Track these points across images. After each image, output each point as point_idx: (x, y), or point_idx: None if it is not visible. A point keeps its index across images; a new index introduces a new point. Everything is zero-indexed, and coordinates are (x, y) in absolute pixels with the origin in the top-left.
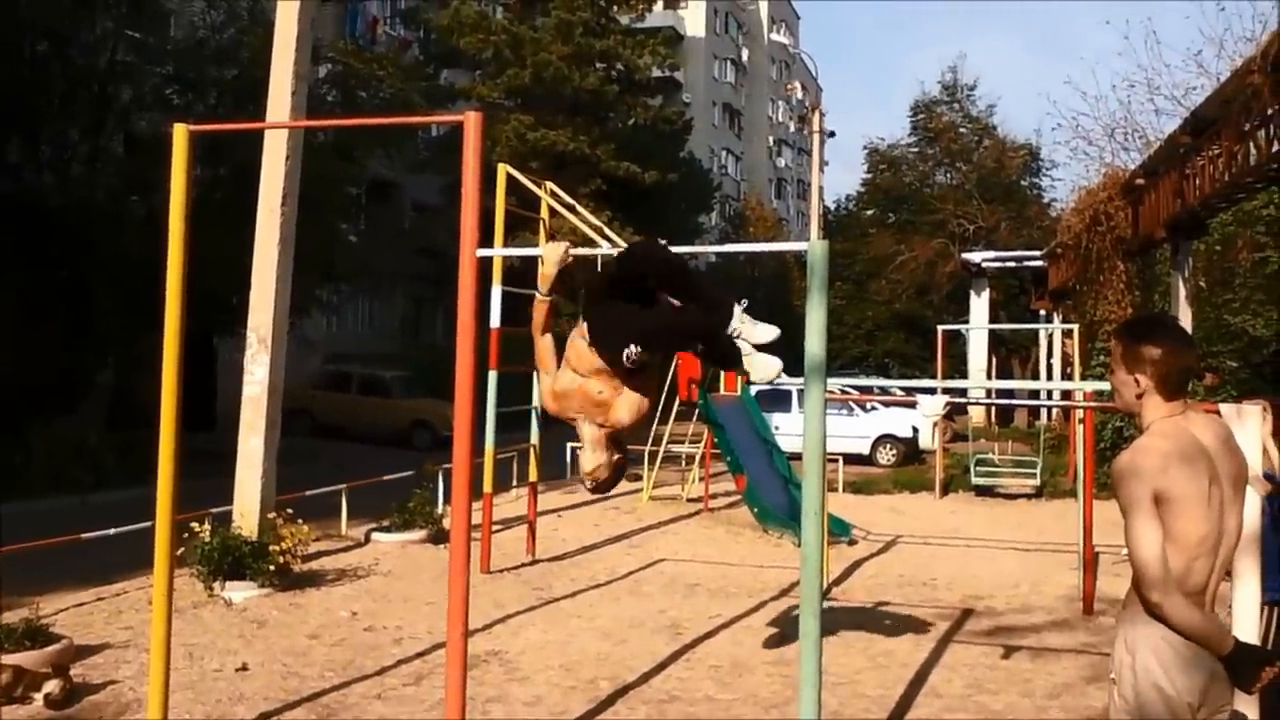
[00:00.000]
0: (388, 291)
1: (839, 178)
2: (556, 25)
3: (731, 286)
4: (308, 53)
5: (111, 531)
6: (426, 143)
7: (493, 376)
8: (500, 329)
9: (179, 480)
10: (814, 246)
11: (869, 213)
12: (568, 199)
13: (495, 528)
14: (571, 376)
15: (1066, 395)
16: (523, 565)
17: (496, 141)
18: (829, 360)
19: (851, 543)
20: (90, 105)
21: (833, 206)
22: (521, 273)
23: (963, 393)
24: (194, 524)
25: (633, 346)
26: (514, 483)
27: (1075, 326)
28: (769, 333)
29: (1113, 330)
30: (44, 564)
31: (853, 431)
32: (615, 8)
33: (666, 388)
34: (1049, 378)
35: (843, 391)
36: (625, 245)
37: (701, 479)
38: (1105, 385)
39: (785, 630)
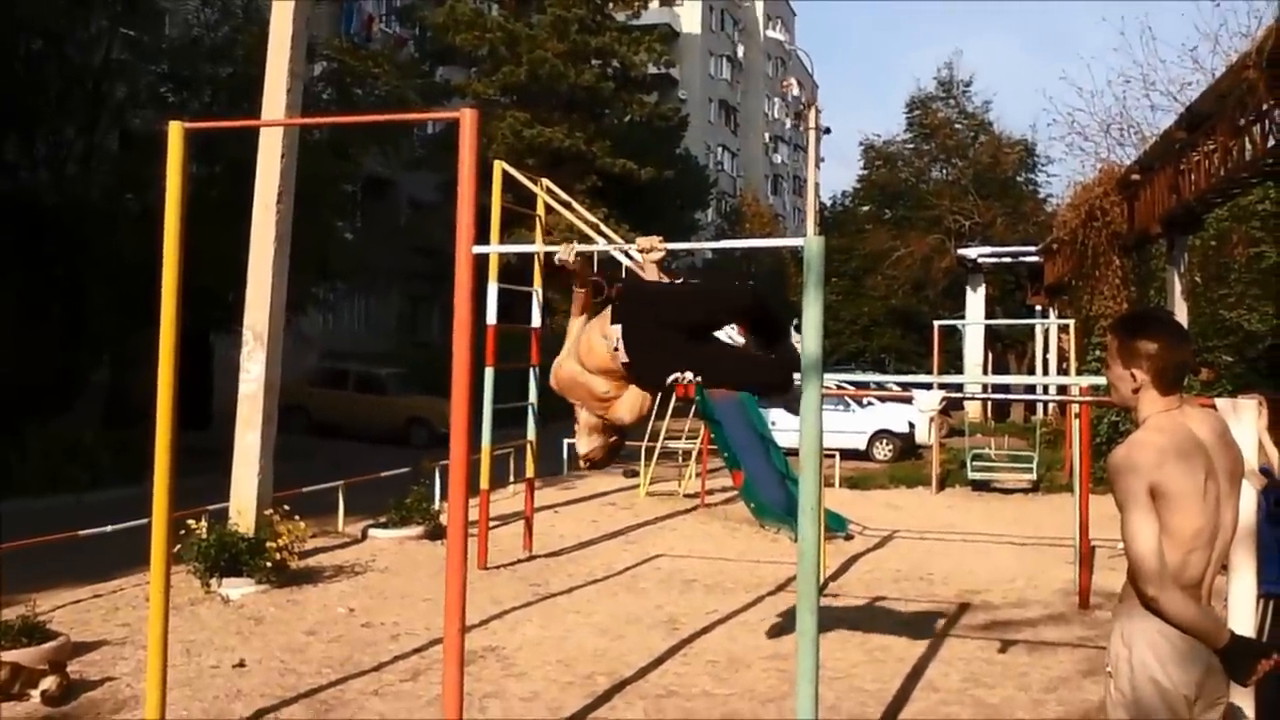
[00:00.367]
0: (384, 289)
1: (835, 174)
2: (552, 22)
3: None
4: (303, 50)
5: (108, 529)
6: (422, 140)
7: (489, 373)
8: (497, 326)
9: (175, 477)
10: (810, 243)
11: (865, 209)
12: (564, 196)
13: (492, 524)
14: (576, 368)
15: (1062, 390)
16: (520, 561)
17: (492, 138)
18: (825, 356)
19: (848, 538)
20: (85, 103)
21: (829, 203)
22: (518, 270)
23: (959, 388)
24: (191, 521)
25: (688, 374)
26: (511, 479)
27: (1071, 322)
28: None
29: (1108, 325)
30: (41, 561)
31: (849, 427)
32: (611, 4)
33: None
34: (1045, 373)
35: (839, 387)
36: (741, 284)
37: (699, 475)
38: (1101, 380)
39: (782, 625)
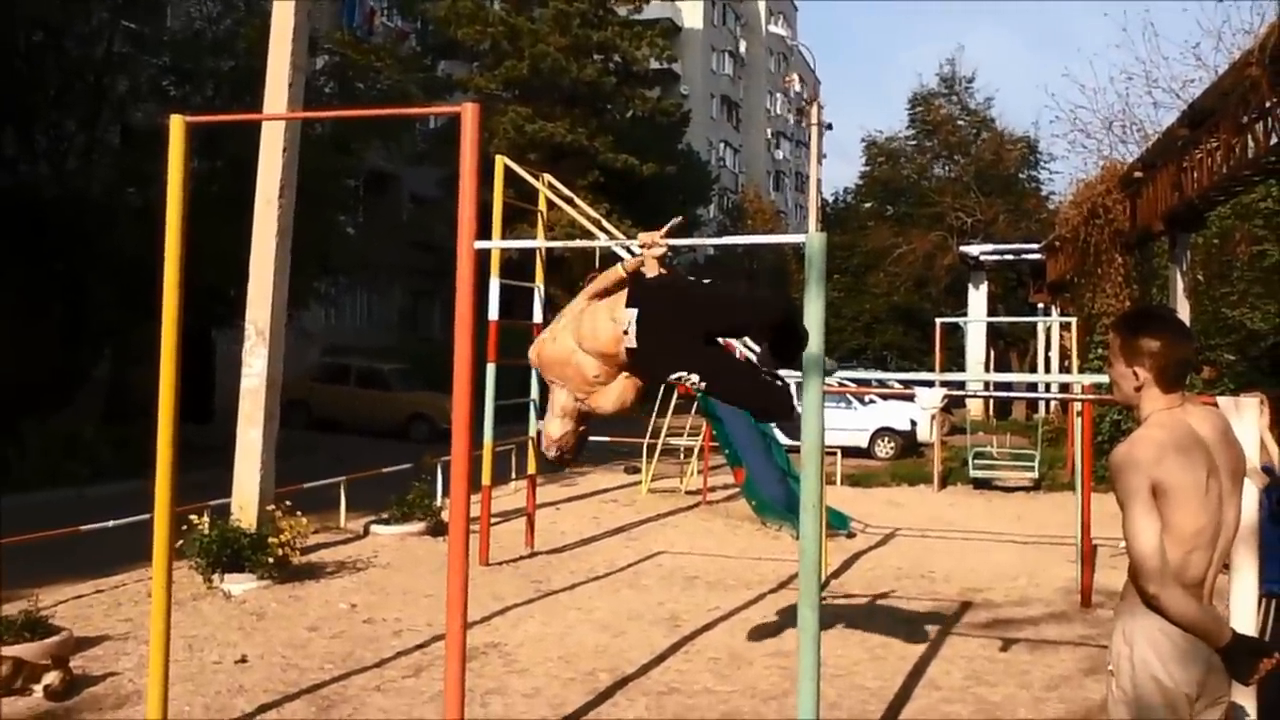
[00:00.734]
0: (386, 284)
1: (837, 170)
2: (554, 16)
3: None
4: (305, 44)
5: (110, 524)
6: (424, 134)
7: (491, 369)
8: (498, 321)
9: (177, 473)
10: (812, 239)
11: (867, 205)
12: (565, 191)
13: (494, 520)
14: (570, 346)
15: (1064, 388)
16: (521, 558)
17: (494, 133)
18: (827, 353)
19: (850, 535)
20: (86, 97)
21: (831, 199)
22: (520, 265)
23: (961, 385)
24: (193, 517)
25: (695, 377)
26: (513, 475)
27: (1073, 319)
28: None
29: (1111, 323)
30: (43, 557)
31: (851, 424)
32: None
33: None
34: (1047, 370)
35: (841, 384)
36: (777, 298)
37: (700, 472)
38: (1103, 378)
39: (783, 622)
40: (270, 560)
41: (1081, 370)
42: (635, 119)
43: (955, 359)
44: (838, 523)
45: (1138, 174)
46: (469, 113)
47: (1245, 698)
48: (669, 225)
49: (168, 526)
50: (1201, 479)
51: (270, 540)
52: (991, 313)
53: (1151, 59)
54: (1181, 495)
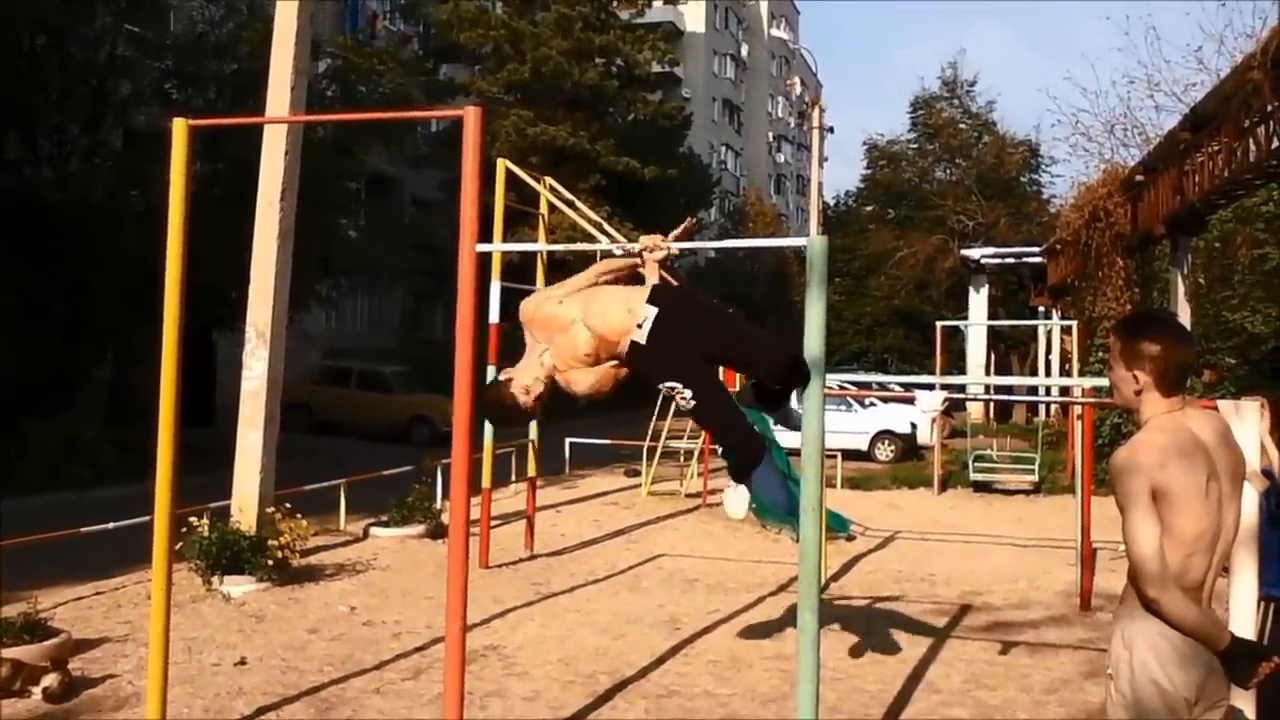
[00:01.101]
0: (387, 287)
1: (838, 173)
2: (556, 20)
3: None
4: (307, 47)
5: (110, 526)
6: (426, 138)
7: (491, 372)
8: (500, 324)
9: (177, 475)
10: (813, 242)
11: (868, 208)
12: (567, 194)
13: (494, 523)
14: (574, 315)
15: (1065, 391)
16: (521, 560)
17: (496, 136)
18: (828, 356)
19: (850, 538)
20: (89, 100)
21: (832, 202)
22: (521, 268)
23: (961, 389)
24: (192, 519)
25: (688, 393)
26: (513, 478)
27: (1074, 323)
28: (739, 505)
29: (1111, 326)
30: (42, 559)
31: (851, 427)
32: (615, 2)
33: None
34: (1047, 374)
35: (841, 387)
36: (789, 349)
37: (700, 474)
38: (1104, 381)
39: (783, 625)
40: (270, 562)
41: (1082, 374)
42: (637, 122)
43: (956, 362)
44: (838, 526)
45: (1139, 177)
46: (471, 116)
47: (1244, 701)
48: (682, 228)
49: (167, 529)
50: (1202, 482)
51: (270, 543)
52: (992, 316)
53: (1153, 62)
54: (1182, 499)
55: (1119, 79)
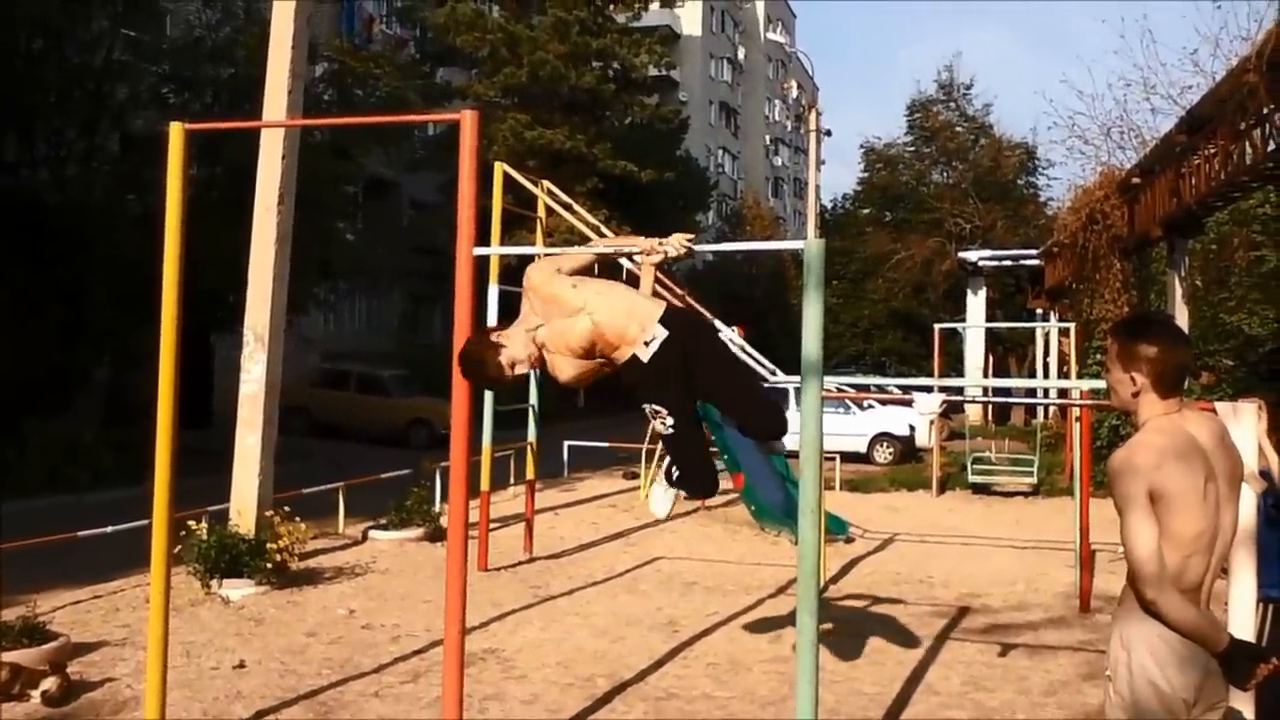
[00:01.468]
0: (385, 290)
1: (836, 176)
2: (553, 23)
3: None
4: (304, 51)
5: (108, 529)
6: (423, 141)
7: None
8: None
9: (176, 478)
10: (810, 245)
11: (866, 211)
12: (564, 197)
13: (493, 526)
14: (580, 305)
15: (1063, 393)
16: (520, 563)
17: (493, 140)
18: (826, 358)
19: (849, 540)
20: (86, 103)
21: (829, 205)
22: (518, 271)
23: (959, 391)
24: (191, 522)
25: (670, 420)
26: (511, 481)
27: (1071, 325)
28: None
29: (1109, 328)
30: (41, 562)
31: (850, 430)
32: (612, 6)
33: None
34: (1045, 376)
35: (839, 390)
36: (777, 410)
37: None
38: (1101, 383)
39: (782, 627)
40: (268, 566)
41: (1080, 376)
42: (634, 126)
43: (954, 364)
44: (836, 528)
45: (1136, 180)
46: (468, 119)
47: (1243, 703)
48: (679, 250)
49: (166, 532)
50: (1199, 484)
51: (268, 546)
52: (990, 318)
53: (1149, 65)
54: (1180, 501)
55: (1115, 82)
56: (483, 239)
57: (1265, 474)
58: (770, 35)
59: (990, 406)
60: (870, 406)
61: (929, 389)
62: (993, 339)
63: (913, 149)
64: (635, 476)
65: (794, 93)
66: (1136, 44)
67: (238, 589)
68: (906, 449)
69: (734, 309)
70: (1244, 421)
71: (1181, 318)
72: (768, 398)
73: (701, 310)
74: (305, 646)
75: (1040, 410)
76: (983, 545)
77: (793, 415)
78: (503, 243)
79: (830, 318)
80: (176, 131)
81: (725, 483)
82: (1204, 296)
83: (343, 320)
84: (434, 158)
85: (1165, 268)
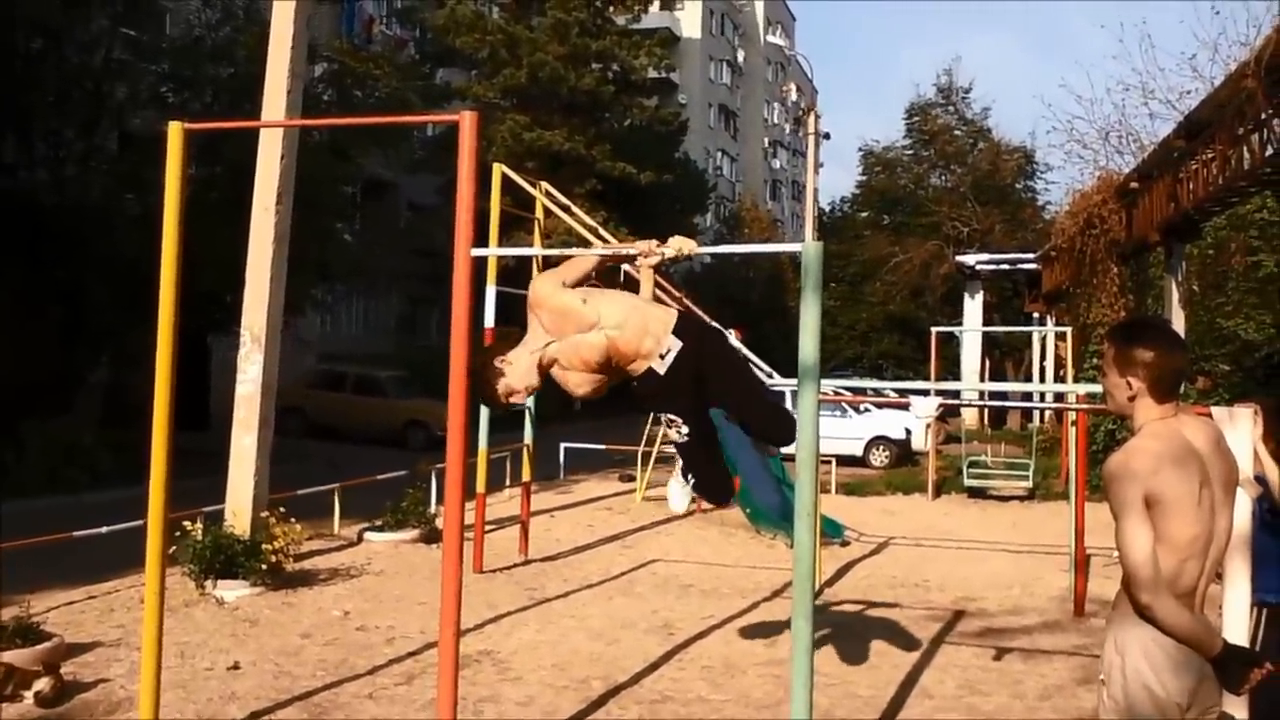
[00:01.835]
0: (383, 291)
1: (834, 179)
2: (553, 25)
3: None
4: (303, 51)
5: (103, 530)
6: (422, 142)
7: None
8: (495, 329)
9: (171, 479)
10: (808, 248)
11: (864, 215)
12: (563, 199)
13: (488, 528)
14: (595, 317)
15: (1059, 398)
16: (516, 565)
17: (492, 141)
18: (823, 361)
19: (844, 544)
20: (85, 103)
21: (827, 208)
22: (516, 272)
23: (956, 395)
24: (186, 523)
25: (685, 429)
26: (507, 483)
27: (1068, 329)
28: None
29: (1105, 333)
30: (35, 562)
31: (846, 433)
32: (611, 8)
33: None
34: (1042, 380)
35: (836, 393)
36: (787, 416)
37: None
38: (1098, 388)
39: (777, 630)
40: (263, 567)
41: (1076, 380)
42: (633, 128)
43: (950, 368)
44: (832, 531)
45: (1134, 185)
46: (467, 121)
47: (1237, 708)
48: (678, 255)
49: (161, 532)
50: (1195, 489)
51: (264, 547)
52: (987, 322)
53: (1148, 70)
54: (1175, 505)
55: (1114, 86)
56: (481, 240)
57: (1260, 479)
58: (770, 38)
59: (986, 410)
60: (867, 410)
61: (925, 392)
62: (989, 343)
63: (911, 152)
64: (631, 479)
65: (793, 96)
66: (1135, 49)
67: (233, 590)
68: (903, 452)
69: (731, 312)
70: (1240, 426)
71: (1178, 322)
72: (778, 403)
73: (700, 314)
74: (300, 648)
75: (1036, 414)
76: (978, 549)
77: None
78: (501, 244)
79: (827, 320)
80: (175, 131)
81: None
82: (1201, 301)
83: (340, 321)
84: (432, 159)
85: (1162, 272)
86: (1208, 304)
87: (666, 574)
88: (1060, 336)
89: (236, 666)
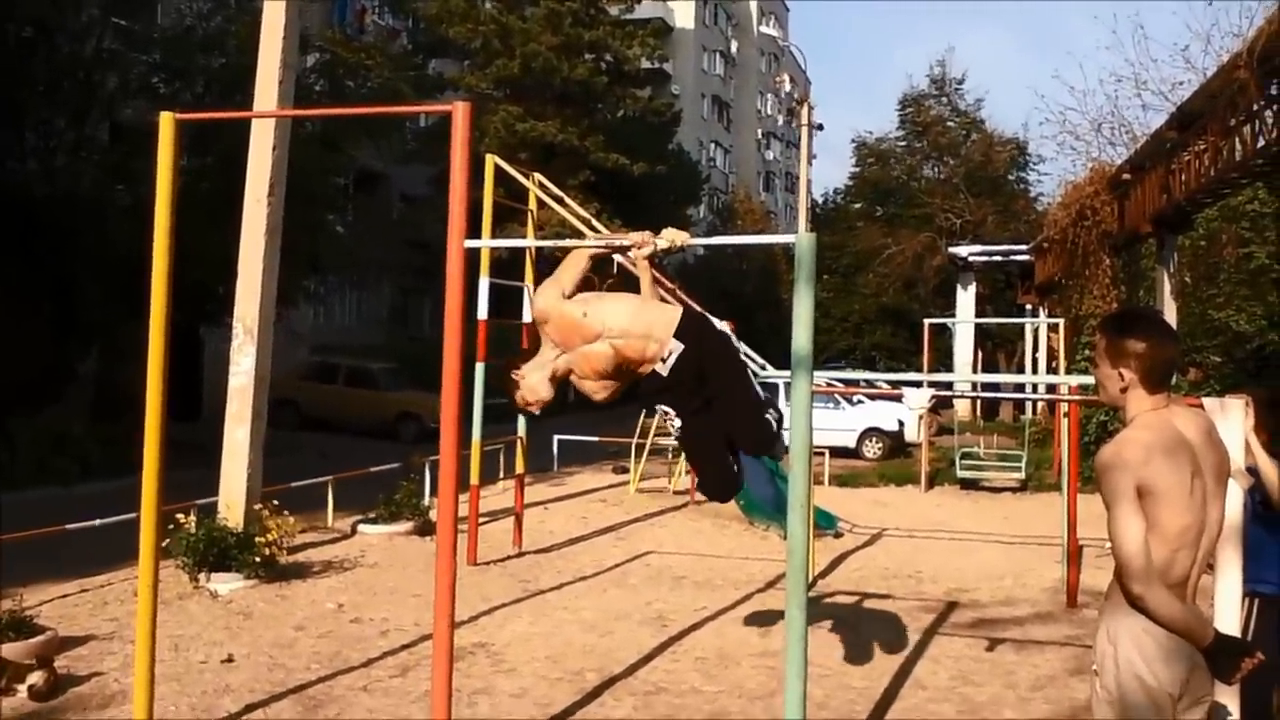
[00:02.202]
0: (375, 283)
1: (827, 171)
2: (545, 15)
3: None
4: (295, 42)
5: (96, 523)
6: (414, 133)
7: (480, 368)
8: (488, 320)
9: (164, 471)
10: (801, 239)
11: (857, 206)
12: (556, 190)
13: (482, 520)
14: (599, 327)
15: (1051, 389)
16: (509, 557)
17: (485, 132)
18: (816, 353)
19: (837, 535)
20: (75, 94)
21: (821, 200)
22: (509, 264)
23: (948, 386)
24: (179, 515)
25: (678, 422)
26: (501, 475)
27: (1061, 320)
28: None
29: (1097, 324)
30: (28, 555)
31: (839, 425)
32: None
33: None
34: (1034, 371)
35: (829, 385)
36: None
37: (688, 472)
38: (1090, 379)
39: (770, 622)
40: (257, 560)
41: (1068, 371)
42: (626, 119)
43: (943, 360)
44: (825, 523)
45: (1126, 176)
46: (460, 111)
47: (1228, 697)
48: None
49: (154, 525)
50: (1187, 480)
51: (257, 539)
52: (979, 314)
53: (1140, 61)
54: (1168, 496)
55: (1106, 77)
56: (474, 232)
57: (1252, 470)
58: (763, 28)
59: (979, 402)
60: (860, 401)
61: (918, 384)
62: (982, 334)
63: (904, 144)
64: (625, 471)
65: (786, 86)
66: (1128, 40)
67: (226, 583)
68: (895, 444)
69: (724, 304)
70: (1231, 417)
71: (1170, 314)
72: (762, 414)
73: (694, 306)
74: (294, 640)
75: (1029, 405)
76: (971, 540)
77: (783, 410)
78: (494, 235)
79: (821, 312)
80: (167, 121)
81: None
82: (1193, 293)
83: (332, 313)
84: (425, 150)
85: (1154, 264)
86: (1199, 295)
87: (660, 566)
88: (1053, 328)
89: (230, 659)
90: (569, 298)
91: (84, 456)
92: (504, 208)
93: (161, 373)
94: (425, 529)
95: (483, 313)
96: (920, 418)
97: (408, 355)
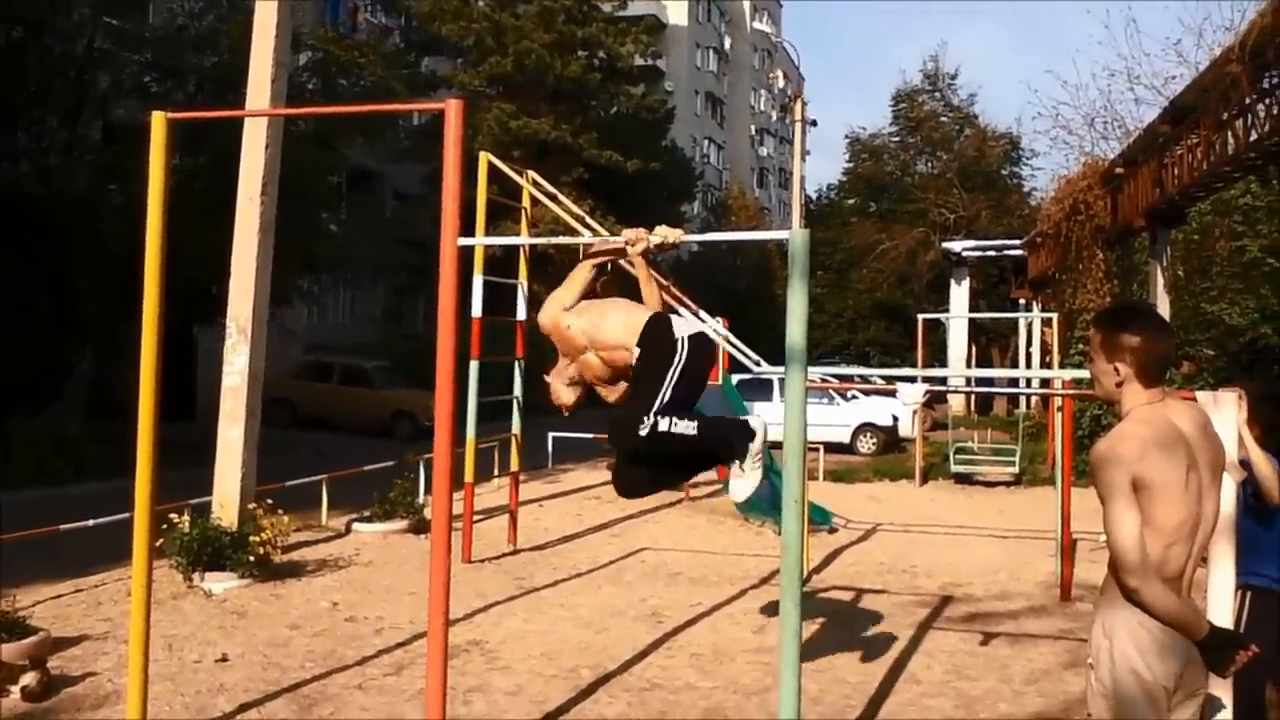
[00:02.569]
0: (369, 281)
1: (821, 167)
2: (538, 12)
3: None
4: (288, 40)
5: (90, 523)
6: (408, 131)
7: (474, 366)
8: (482, 318)
9: (158, 471)
10: (795, 235)
11: (850, 202)
12: (549, 188)
13: (477, 517)
14: (584, 341)
15: (1045, 383)
16: (504, 555)
17: (478, 130)
18: (810, 349)
19: (832, 531)
20: (68, 93)
21: (814, 195)
22: (503, 262)
23: (943, 381)
24: (173, 515)
25: (659, 422)
26: (495, 472)
27: (1054, 315)
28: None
29: (1091, 318)
30: (21, 556)
31: (833, 420)
32: None
33: None
34: (1028, 366)
35: (823, 380)
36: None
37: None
38: (1084, 373)
39: (765, 618)
40: (251, 559)
41: (1062, 366)
42: (620, 115)
43: (937, 355)
44: (820, 518)
45: (1119, 170)
46: (453, 109)
47: (1222, 690)
48: (665, 241)
49: (148, 525)
50: (1182, 474)
51: (251, 538)
52: (973, 309)
53: (1133, 56)
54: (1163, 490)
55: (1099, 72)
56: (467, 229)
57: (1245, 463)
58: (756, 25)
59: (973, 397)
60: (854, 397)
61: (912, 379)
62: (976, 329)
63: (898, 139)
64: None
65: (779, 83)
66: (1121, 34)
67: (220, 582)
68: (890, 439)
69: (719, 300)
70: (1225, 411)
71: (1163, 307)
72: (638, 421)
73: (688, 304)
74: (288, 639)
75: (1023, 400)
76: (965, 535)
77: (777, 406)
78: (488, 233)
79: (814, 308)
80: (159, 121)
81: (709, 474)
82: (1186, 286)
83: (326, 312)
84: (418, 148)
85: (1148, 258)
86: (1192, 289)
87: (655, 562)
88: (1046, 322)
89: (225, 659)
90: (570, 309)
91: (79, 457)
92: (498, 205)
93: (155, 372)
94: (420, 527)
95: (477, 310)
96: (914, 413)
97: (402, 353)
